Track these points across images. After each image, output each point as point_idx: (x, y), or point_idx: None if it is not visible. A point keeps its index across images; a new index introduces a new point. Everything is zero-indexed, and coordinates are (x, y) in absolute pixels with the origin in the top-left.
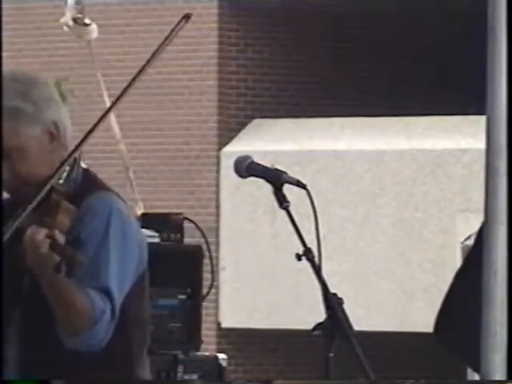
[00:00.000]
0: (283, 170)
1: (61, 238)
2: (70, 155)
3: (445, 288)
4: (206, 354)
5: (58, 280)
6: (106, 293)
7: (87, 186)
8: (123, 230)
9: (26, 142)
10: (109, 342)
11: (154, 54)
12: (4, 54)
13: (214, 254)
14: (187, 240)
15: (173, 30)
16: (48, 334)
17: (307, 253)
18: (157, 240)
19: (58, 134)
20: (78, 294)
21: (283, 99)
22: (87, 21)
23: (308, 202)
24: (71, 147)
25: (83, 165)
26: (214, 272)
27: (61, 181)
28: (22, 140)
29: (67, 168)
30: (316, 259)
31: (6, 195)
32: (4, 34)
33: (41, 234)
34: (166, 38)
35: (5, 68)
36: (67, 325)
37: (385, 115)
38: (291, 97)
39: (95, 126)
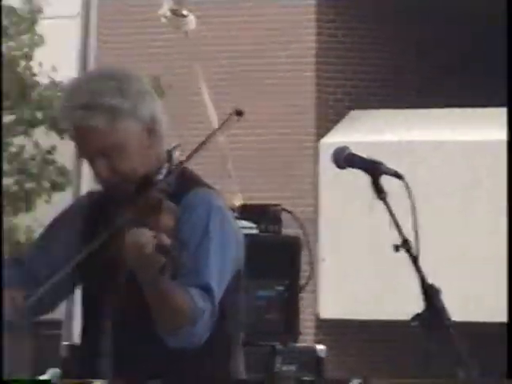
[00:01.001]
0: (381, 160)
1: (166, 240)
2: (184, 162)
3: None
4: (304, 345)
5: (160, 281)
6: (207, 290)
7: (185, 182)
8: (222, 226)
9: (125, 138)
10: (207, 338)
11: (201, 145)
12: (103, 46)
13: (312, 245)
14: (285, 231)
15: (222, 124)
16: (145, 329)
17: (405, 244)
18: (255, 231)
19: (155, 129)
20: (179, 293)
21: (381, 90)
22: (185, 12)
23: (406, 192)
24: (166, 140)
25: (179, 159)
26: (313, 263)
27: (160, 176)
28: (122, 137)
29: (166, 164)
30: (414, 250)
31: (96, 191)
32: (103, 25)
33: (146, 235)
34: (215, 131)
35: (105, 62)
36: (167, 323)
37: (484, 106)
38: (389, 87)
39: (202, 144)
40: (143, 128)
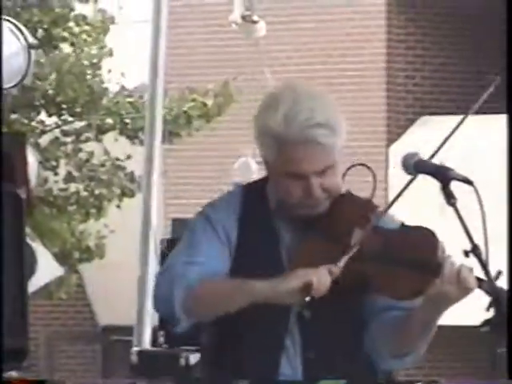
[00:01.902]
0: (450, 167)
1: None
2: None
3: None
4: None
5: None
6: None
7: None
8: None
9: (337, 158)
10: None
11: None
12: (174, 52)
13: None
14: None
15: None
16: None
17: (475, 249)
18: None
19: None
20: None
21: (451, 96)
22: (255, 18)
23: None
24: (238, 146)
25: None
26: None
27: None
28: (337, 155)
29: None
30: (483, 256)
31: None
32: (174, 31)
33: (467, 270)
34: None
35: (175, 68)
36: (402, 348)
37: None
38: (460, 94)
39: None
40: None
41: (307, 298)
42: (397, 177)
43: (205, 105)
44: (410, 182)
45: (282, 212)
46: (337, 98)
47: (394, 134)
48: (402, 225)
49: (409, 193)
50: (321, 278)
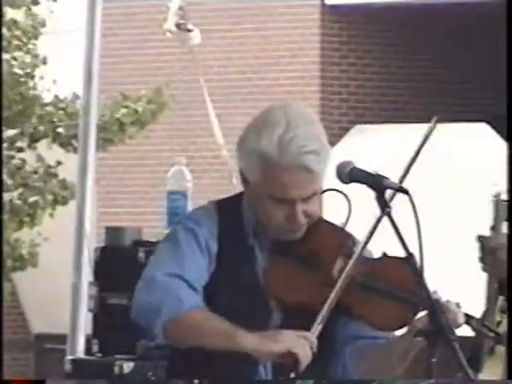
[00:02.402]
0: (385, 175)
1: None
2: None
3: None
4: None
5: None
6: None
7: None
8: None
9: (321, 185)
10: None
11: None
12: (107, 60)
13: None
14: None
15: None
16: None
17: (409, 258)
18: None
19: None
20: None
21: (386, 105)
22: (190, 26)
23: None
24: (170, 155)
25: None
26: None
27: None
28: (322, 182)
29: None
30: (418, 265)
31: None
32: (107, 39)
33: (454, 305)
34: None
35: (108, 76)
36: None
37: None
38: (394, 102)
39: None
40: None
41: (292, 375)
42: (331, 186)
43: (136, 111)
44: (381, 216)
45: (258, 232)
46: None
47: (328, 142)
48: (385, 255)
49: (343, 202)
50: (305, 353)
